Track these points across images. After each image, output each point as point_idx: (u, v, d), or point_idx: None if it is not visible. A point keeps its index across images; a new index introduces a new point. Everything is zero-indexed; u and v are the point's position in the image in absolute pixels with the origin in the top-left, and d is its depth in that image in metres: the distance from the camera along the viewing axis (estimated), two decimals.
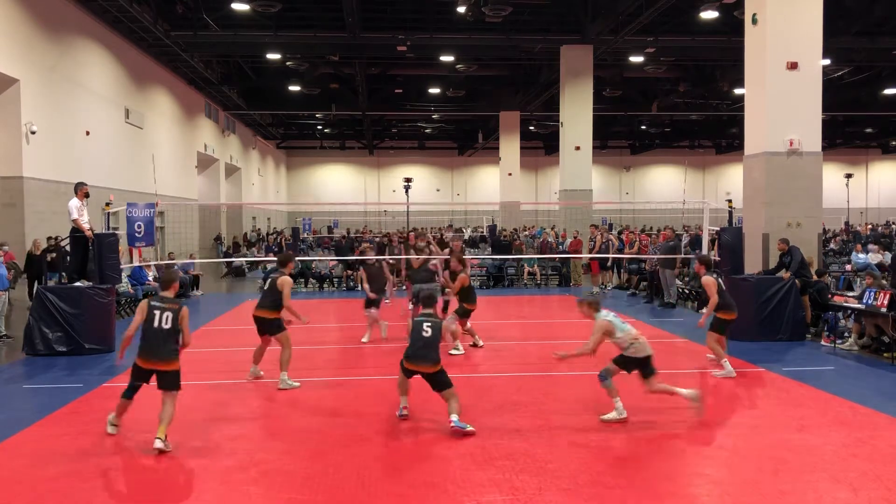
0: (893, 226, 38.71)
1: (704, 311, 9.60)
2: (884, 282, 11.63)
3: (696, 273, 9.50)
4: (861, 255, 18.61)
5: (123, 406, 6.75)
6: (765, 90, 13.13)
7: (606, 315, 7.33)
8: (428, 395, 8.20)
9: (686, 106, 34.91)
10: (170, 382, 6.51)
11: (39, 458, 6.20)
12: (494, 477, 5.63)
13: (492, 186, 46.68)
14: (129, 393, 6.69)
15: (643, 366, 7.21)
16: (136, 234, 12.71)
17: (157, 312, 6.49)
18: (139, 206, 12.84)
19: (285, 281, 8.69)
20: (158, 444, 6.19)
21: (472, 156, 52.38)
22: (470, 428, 6.77)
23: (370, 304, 11.62)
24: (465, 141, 49.77)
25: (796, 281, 11.90)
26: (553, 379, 9.12)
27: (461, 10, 20.18)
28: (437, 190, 52.06)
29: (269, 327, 8.73)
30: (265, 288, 9.08)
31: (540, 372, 9.49)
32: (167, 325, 6.46)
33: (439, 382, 7.03)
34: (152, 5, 20.48)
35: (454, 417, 6.79)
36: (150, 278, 17.25)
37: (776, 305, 11.57)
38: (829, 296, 12.17)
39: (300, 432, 6.90)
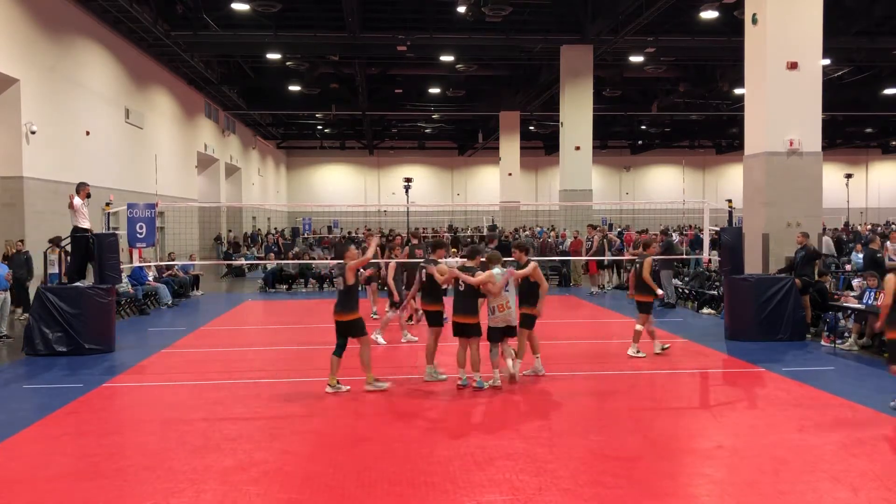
0: (893, 226, 38.69)
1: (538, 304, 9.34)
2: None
3: (517, 260, 9.19)
4: (861, 255, 18.59)
5: (337, 363, 8.34)
6: (765, 90, 13.13)
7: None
8: (426, 397, 8.21)
9: (686, 106, 34.87)
10: (355, 331, 8.29)
11: (39, 458, 6.20)
12: (494, 477, 5.63)
13: (492, 186, 46.68)
14: (339, 351, 8.34)
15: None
16: (138, 235, 12.72)
17: (337, 279, 8.46)
18: (140, 207, 12.84)
19: (437, 268, 8.78)
20: (368, 387, 8.32)
21: (472, 156, 52.38)
22: (486, 385, 8.38)
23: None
24: (465, 141, 49.74)
25: (797, 280, 11.91)
26: (553, 378, 9.12)
27: (461, 10, 20.17)
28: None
29: (435, 319, 8.90)
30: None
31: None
32: (341, 287, 8.37)
33: (475, 330, 8.39)
34: (152, 5, 20.47)
35: (477, 378, 8.38)
36: (150, 278, 17.28)
37: (776, 305, 11.57)
38: (833, 295, 12.18)
39: (300, 432, 6.90)
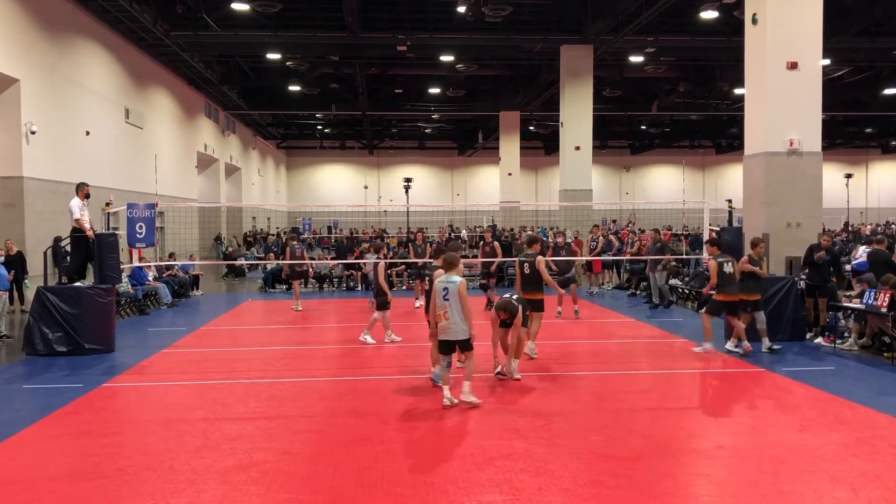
0: (893, 226, 38.70)
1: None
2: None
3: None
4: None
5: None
6: (765, 90, 13.13)
7: None
8: (425, 397, 8.21)
9: (686, 106, 34.89)
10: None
11: (39, 458, 6.20)
12: (494, 477, 5.63)
13: (492, 186, 46.66)
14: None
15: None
16: (138, 235, 12.71)
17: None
18: (139, 207, 12.84)
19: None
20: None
21: (472, 156, 52.38)
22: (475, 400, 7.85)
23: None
24: (465, 141, 49.76)
25: (802, 282, 11.88)
26: (553, 378, 9.12)
27: (461, 10, 20.18)
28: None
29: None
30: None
31: (539, 372, 9.48)
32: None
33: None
34: (152, 5, 20.47)
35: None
36: (150, 278, 17.28)
37: (776, 305, 11.55)
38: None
39: (300, 432, 6.90)
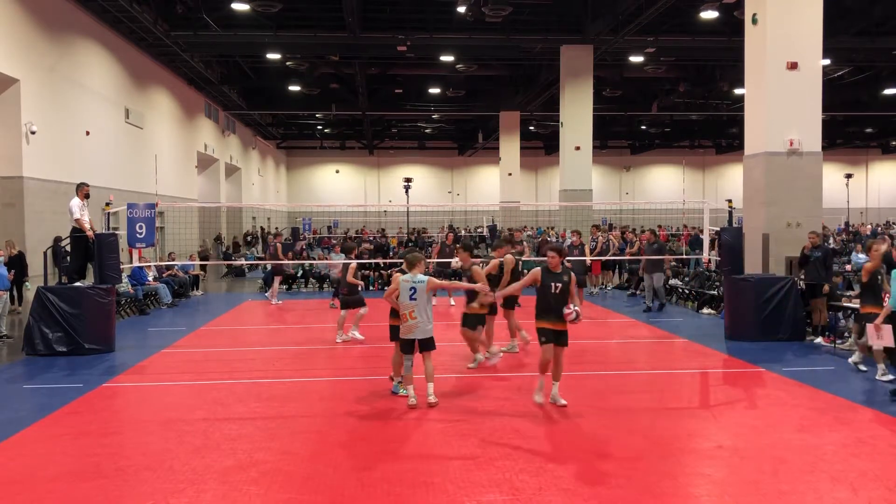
0: (894, 226, 38.69)
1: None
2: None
3: (462, 262, 9.76)
4: (861, 256, 18.59)
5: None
6: (765, 90, 13.13)
7: None
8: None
9: (686, 106, 34.89)
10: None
11: (39, 458, 6.20)
12: (494, 477, 5.63)
13: (492, 186, 46.67)
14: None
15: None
16: (138, 235, 12.71)
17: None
18: (139, 207, 12.83)
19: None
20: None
21: (472, 156, 52.38)
22: (402, 391, 8.02)
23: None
24: (465, 141, 49.76)
25: (799, 282, 11.87)
26: None
27: (461, 10, 20.18)
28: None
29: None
30: None
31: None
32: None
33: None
34: (152, 5, 20.47)
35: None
36: (150, 278, 17.28)
37: (776, 305, 11.56)
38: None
39: (300, 432, 6.90)
